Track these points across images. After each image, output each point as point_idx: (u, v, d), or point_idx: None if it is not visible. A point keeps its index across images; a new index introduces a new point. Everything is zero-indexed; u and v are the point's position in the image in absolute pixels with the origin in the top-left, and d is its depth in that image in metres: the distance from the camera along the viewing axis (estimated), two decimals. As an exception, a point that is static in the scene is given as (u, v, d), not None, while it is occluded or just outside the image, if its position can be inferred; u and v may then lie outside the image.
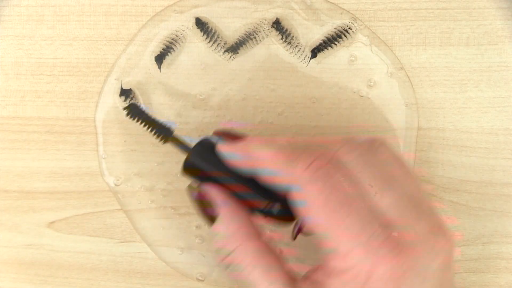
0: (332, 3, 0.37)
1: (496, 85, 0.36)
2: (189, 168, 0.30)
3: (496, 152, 0.36)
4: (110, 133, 0.38)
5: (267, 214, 0.28)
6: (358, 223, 0.24)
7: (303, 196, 0.25)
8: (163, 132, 0.32)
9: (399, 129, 0.37)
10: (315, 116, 0.37)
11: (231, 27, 0.37)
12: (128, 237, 0.38)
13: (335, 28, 0.37)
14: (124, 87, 0.37)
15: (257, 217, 0.28)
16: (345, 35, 0.37)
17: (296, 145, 0.28)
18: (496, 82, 0.36)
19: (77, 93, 0.37)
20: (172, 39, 0.37)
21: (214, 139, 0.29)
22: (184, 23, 0.37)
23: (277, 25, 0.37)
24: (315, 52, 0.37)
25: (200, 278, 0.38)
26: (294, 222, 0.29)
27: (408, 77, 0.37)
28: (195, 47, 0.37)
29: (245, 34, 0.37)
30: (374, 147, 0.27)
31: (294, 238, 0.30)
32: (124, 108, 0.34)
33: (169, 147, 0.36)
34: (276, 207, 0.27)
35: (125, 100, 0.37)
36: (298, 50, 0.37)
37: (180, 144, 0.31)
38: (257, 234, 0.28)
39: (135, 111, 0.33)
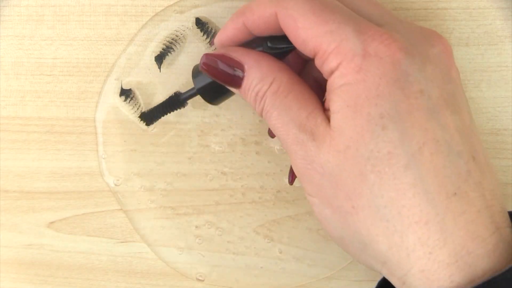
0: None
1: (496, 85, 0.36)
2: (197, 71, 0.32)
3: (496, 152, 0.36)
4: (110, 133, 0.38)
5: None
6: (345, 17, 0.25)
7: (290, 14, 0.26)
8: (175, 103, 0.36)
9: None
10: (315, 116, 0.37)
11: (231, 27, 0.37)
12: (128, 237, 0.38)
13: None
14: (124, 87, 0.37)
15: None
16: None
17: None
18: (496, 82, 0.36)
19: (77, 93, 0.37)
20: (172, 39, 0.37)
21: None
22: (184, 23, 0.37)
23: (277, 25, 0.37)
24: (315, 52, 0.37)
25: (200, 278, 0.38)
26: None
27: (408, 77, 0.37)
28: (195, 47, 0.37)
29: (245, 34, 0.37)
30: None
31: (291, 183, 0.35)
32: (141, 119, 0.37)
33: (169, 147, 0.36)
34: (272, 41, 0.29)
35: (125, 100, 0.37)
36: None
37: (189, 93, 0.34)
38: (287, 68, 0.28)
39: (149, 115, 0.37)
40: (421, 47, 0.26)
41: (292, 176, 0.35)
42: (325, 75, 0.26)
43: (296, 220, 0.37)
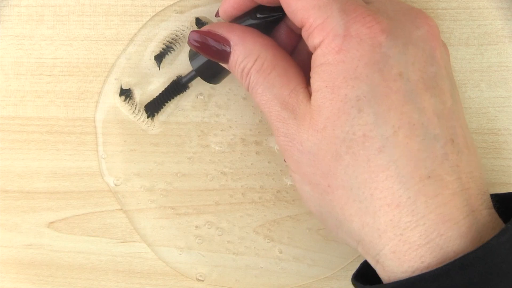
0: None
1: (496, 85, 0.36)
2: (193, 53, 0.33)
3: (496, 152, 0.36)
4: (110, 133, 0.38)
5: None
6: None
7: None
8: (178, 87, 0.36)
9: (399, 129, 0.37)
10: (315, 116, 0.37)
11: (231, 27, 0.37)
12: (128, 237, 0.38)
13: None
14: (124, 87, 0.37)
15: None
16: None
17: None
18: (496, 82, 0.36)
19: (77, 93, 0.37)
20: (172, 39, 0.37)
21: None
22: (184, 23, 0.37)
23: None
24: (315, 52, 0.37)
25: (199, 278, 0.38)
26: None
27: (408, 77, 0.37)
28: (195, 47, 0.37)
29: (245, 34, 0.37)
30: None
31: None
32: (146, 111, 0.37)
33: (169, 147, 0.36)
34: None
35: (125, 100, 0.37)
36: (298, 50, 0.37)
37: (189, 75, 0.35)
38: (273, 43, 0.29)
39: (153, 105, 0.37)
40: (405, 29, 0.26)
41: None
42: (310, 49, 0.27)
43: (296, 220, 0.37)
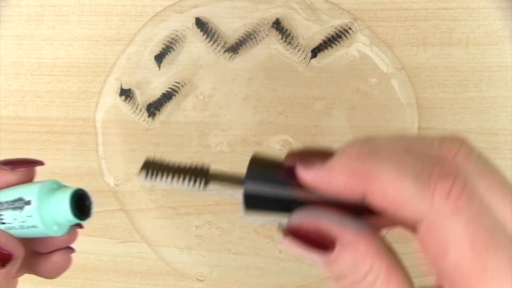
0: (332, 3, 0.37)
1: (496, 85, 0.36)
2: (251, 201, 0.22)
3: (496, 152, 0.36)
4: (110, 133, 0.38)
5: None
6: (508, 261, 0.19)
7: (445, 231, 0.19)
8: (199, 175, 0.24)
9: (399, 129, 0.37)
10: (315, 116, 0.37)
11: (231, 27, 0.37)
12: (128, 237, 0.38)
13: (335, 28, 0.37)
14: (124, 87, 0.37)
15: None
16: (345, 35, 0.37)
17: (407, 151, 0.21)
18: (496, 82, 0.36)
19: (77, 93, 0.37)
20: (172, 39, 0.37)
21: (266, 156, 0.22)
22: (184, 23, 0.37)
23: (277, 25, 0.37)
24: (315, 52, 0.37)
25: (199, 278, 0.38)
26: None
27: (408, 77, 0.37)
28: (195, 47, 0.37)
29: (245, 34, 0.37)
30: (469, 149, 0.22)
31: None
32: (142, 169, 0.24)
33: (169, 147, 0.36)
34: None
35: (125, 100, 0.37)
36: (298, 50, 0.37)
37: (225, 178, 0.23)
38: (388, 249, 0.22)
39: (153, 167, 0.24)
40: None
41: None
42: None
43: (296, 220, 0.37)
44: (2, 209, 0.24)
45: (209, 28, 0.37)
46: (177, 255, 0.38)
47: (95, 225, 0.38)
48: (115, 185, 0.38)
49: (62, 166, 0.38)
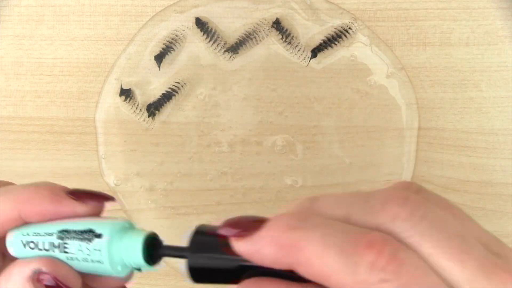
0: (332, 3, 0.37)
1: (496, 85, 0.36)
2: (197, 273, 0.22)
3: (496, 152, 0.36)
4: (110, 133, 0.38)
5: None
6: None
7: None
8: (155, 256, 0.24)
9: (399, 129, 0.37)
10: (315, 116, 0.37)
11: (231, 27, 0.37)
12: (128, 237, 0.38)
13: (335, 28, 0.37)
14: (124, 87, 0.37)
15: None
16: (345, 35, 0.37)
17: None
18: (496, 82, 0.36)
19: (77, 93, 0.37)
20: (172, 39, 0.37)
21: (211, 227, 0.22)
22: (184, 23, 0.37)
23: (277, 25, 0.37)
24: (315, 52, 0.37)
25: (200, 278, 0.38)
26: None
27: (408, 77, 0.37)
28: (195, 47, 0.37)
29: (245, 34, 0.37)
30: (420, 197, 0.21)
31: None
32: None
33: (169, 147, 0.36)
34: None
35: (125, 100, 0.37)
36: (298, 50, 0.37)
37: (174, 249, 0.23)
38: None
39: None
40: None
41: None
42: None
43: (296, 220, 0.37)
44: (68, 238, 0.23)
45: (209, 28, 0.37)
46: (177, 255, 0.38)
47: (95, 225, 0.38)
48: (115, 185, 0.38)
49: (62, 166, 0.38)
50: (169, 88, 0.37)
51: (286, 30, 0.37)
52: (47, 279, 0.23)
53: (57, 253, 0.22)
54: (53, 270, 0.22)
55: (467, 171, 0.37)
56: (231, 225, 0.21)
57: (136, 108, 0.37)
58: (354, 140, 0.37)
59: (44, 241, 0.23)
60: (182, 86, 0.37)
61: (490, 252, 0.19)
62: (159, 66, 0.37)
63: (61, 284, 0.23)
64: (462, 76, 0.36)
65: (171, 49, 0.37)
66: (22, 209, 0.24)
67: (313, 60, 0.37)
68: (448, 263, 0.19)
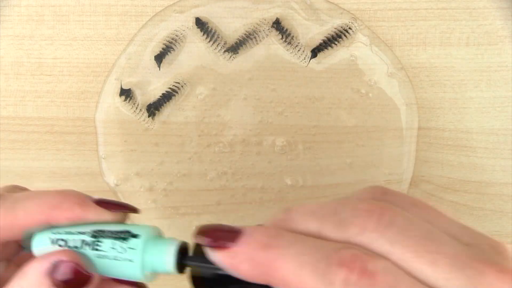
0: (332, 3, 0.37)
1: (496, 85, 0.36)
2: (198, 281, 0.24)
3: (496, 152, 0.36)
4: (110, 133, 0.38)
5: None
6: None
7: None
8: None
9: (399, 129, 0.37)
10: (315, 116, 0.37)
11: (231, 27, 0.37)
12: (128, 237, 0.38)
13: (335, 28, 0.37)
14: (124, 87, 0.37)
15: None
16: (345, 35, 0.37)
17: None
18: (496, 82, 0.36)
19: (77, 93, 0.37)
20: (172, 39, 0.37)
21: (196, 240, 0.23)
22: (184, 23, 0.37)
23: (277, 25, 0.37)
24: (315, 52, 0.37)
25: (200, 278, 0.38)
26: None
27: (408, 77, 0.37)
28: (195, 47, 0.37)
29: (245, 34, 0.37)
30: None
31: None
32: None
33: (169, 147, 0.36)
34: None
35: (125, 100, 0.37)
36: (298, 50, 0.37)
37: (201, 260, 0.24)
38: None
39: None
40: None
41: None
42: None
43: (296, 220, 0.37)
44: (103, 236, 0.23)
45: (209, 28, 0.37)
46: (177, 255, 0.38)
47: (95, 225, 0.38)
48: (115, 185, 0.38)
49: (62, 166, 0.38)
50: (169, 88, 0.37)
51: (286, 30, 0.37)
52: (64, 272, 0.23)
53: (86, 250, 0.23)
54: (73, 258, 0.23)
55: (467, 171, 0.37)
56: (203, 234, 0.22)
57: (136, 108, 0.37)
58: (354, 140, 0.37)
59: (75, 238, 0.23)
60: (182, 86, 0.37)
61: (461, 244, 0.20)
62: (159, 66, 0.37)
63: (81, 270, 0.23)
64: (462, 76, 0.36)
65: (171, 49, 0.37)
66: (51, 213, 0.24)
67: (313, 60, 0.37)
68: (421, 266, 0.19)
